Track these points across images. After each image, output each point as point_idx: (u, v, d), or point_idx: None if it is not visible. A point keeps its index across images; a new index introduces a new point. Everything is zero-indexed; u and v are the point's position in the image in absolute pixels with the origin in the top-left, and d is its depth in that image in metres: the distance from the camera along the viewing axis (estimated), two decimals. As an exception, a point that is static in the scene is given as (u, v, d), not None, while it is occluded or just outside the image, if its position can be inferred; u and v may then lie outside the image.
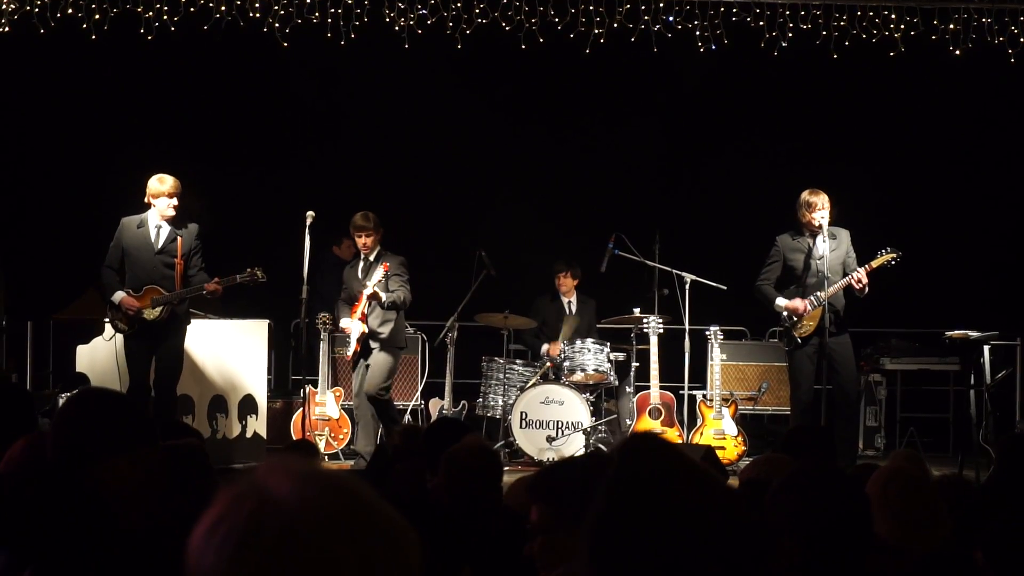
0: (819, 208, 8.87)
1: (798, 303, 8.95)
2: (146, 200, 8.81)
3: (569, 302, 11.11)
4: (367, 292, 9.26)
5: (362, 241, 9.48)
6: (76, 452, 2.82)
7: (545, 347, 10.87)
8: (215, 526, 1.33)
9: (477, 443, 4.70)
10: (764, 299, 9.19)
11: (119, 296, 8.73)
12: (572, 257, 11.14)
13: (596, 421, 10.07)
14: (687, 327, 10.28)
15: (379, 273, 9.28)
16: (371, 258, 9.50)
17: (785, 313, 9.02)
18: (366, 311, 9.34)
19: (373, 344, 9.40)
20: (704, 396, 10.27)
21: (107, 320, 9.02)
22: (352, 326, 9.37)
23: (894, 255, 8.86)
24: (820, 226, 8.85)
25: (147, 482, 2.86)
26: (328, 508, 1.33)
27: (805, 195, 8.97)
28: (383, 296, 9.27)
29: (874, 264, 8.86)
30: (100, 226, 10.56)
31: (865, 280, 8.82)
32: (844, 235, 9.10)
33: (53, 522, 2.48)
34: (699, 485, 1.82)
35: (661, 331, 10.17)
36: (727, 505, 1.82)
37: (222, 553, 1.31)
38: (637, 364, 10.46)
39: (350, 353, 9.44)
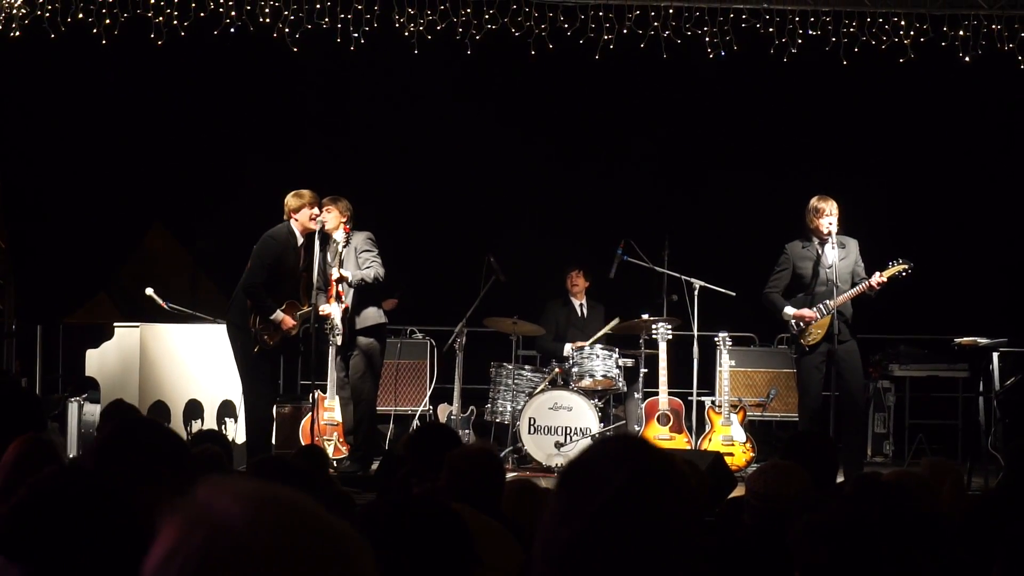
0: (827, 214, 8.84)
1: (807, 312, 8.92)
2: (288, 216, 8.92)
3: (581, 304, 11.10)
4: (334, 276, 9.28)
5: (322, 216, 9.33)
6: (120, 481, 2.84)
7: (568, 346, 10.79)
8: (169, 558, 1.31)
9: (480, 446, 4.70)
10: (772, 307, 9.14)
11: (280, 316, 8.85)
12: (582, 262, 11.13)
13: (605, 427, 10.06)
14: (696, 333, 10.27)
15: (351, 259, 9.32)
16: (340, 241, 9.45)
17: (793, 321, 9.00)
18: (342, 290, 9.37)
19: (350, 324, 9.41)
20: (713, 402, 10.26)
21: (253, 335, 8.87)
22: (332, 310, 9.38)
23: (906, 266, 8.80)
24: (829, 233, 8.81)
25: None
26: (280, 530, 1.32)
27: (813, 201, 8.95)
28: (348, 276, 9.28)
29: (886, 274, 8.80)
30: (109, 230, 10.63)
31: (884, 281, 8.78)
32: (853, 244, 9.06)
33: (82, 542, 2.46)
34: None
35: (670, 337, 10.17)
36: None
37: None
38: (646, 370, 10.46)
39: (339, 338, 9.47)
